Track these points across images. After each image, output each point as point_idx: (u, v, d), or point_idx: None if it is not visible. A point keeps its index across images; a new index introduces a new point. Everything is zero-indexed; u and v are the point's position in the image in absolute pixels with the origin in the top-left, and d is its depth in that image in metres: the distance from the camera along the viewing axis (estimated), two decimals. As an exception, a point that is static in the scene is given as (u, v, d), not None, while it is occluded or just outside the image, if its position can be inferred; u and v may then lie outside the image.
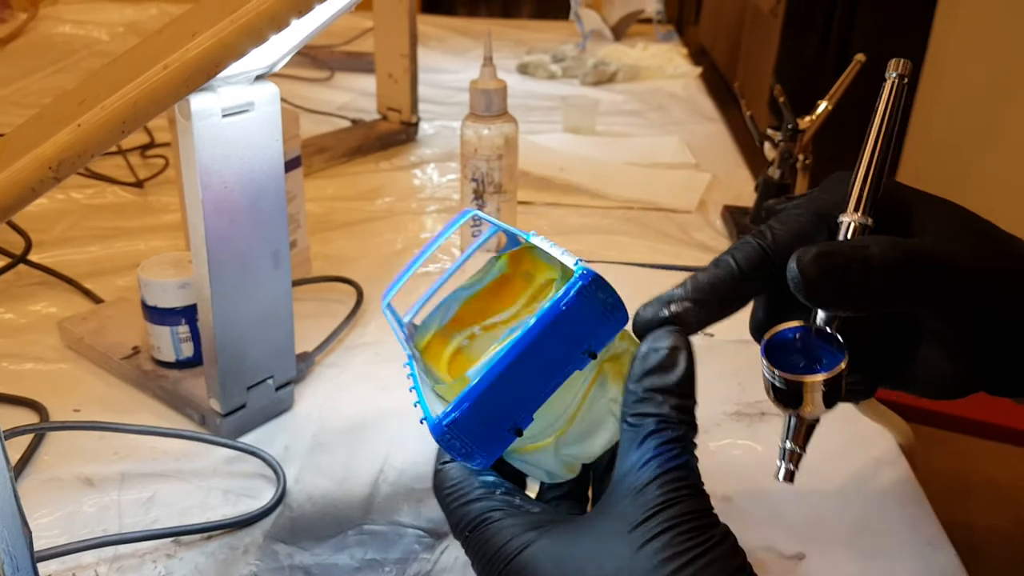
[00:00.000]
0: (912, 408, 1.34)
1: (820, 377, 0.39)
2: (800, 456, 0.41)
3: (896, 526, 0.57)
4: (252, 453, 0.62)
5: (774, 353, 0.40)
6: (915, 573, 0.53)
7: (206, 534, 0.55)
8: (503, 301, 0.49)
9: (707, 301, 0.41)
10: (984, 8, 2.40)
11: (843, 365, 0.39)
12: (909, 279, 0.39)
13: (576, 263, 0.40)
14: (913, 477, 0.61)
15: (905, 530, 0.57)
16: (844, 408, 0.68)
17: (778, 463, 0.41)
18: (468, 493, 0.41)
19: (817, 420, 0.41)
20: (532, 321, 0.39)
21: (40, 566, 0.50)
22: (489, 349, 0.41)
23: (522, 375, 0.39)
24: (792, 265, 0.39)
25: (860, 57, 0.93)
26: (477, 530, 0.40)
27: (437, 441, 0.39)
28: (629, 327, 0.41)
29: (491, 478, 0.42)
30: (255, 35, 0.34)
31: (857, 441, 0.65)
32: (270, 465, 0.60)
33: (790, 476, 0.41)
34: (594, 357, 0.40)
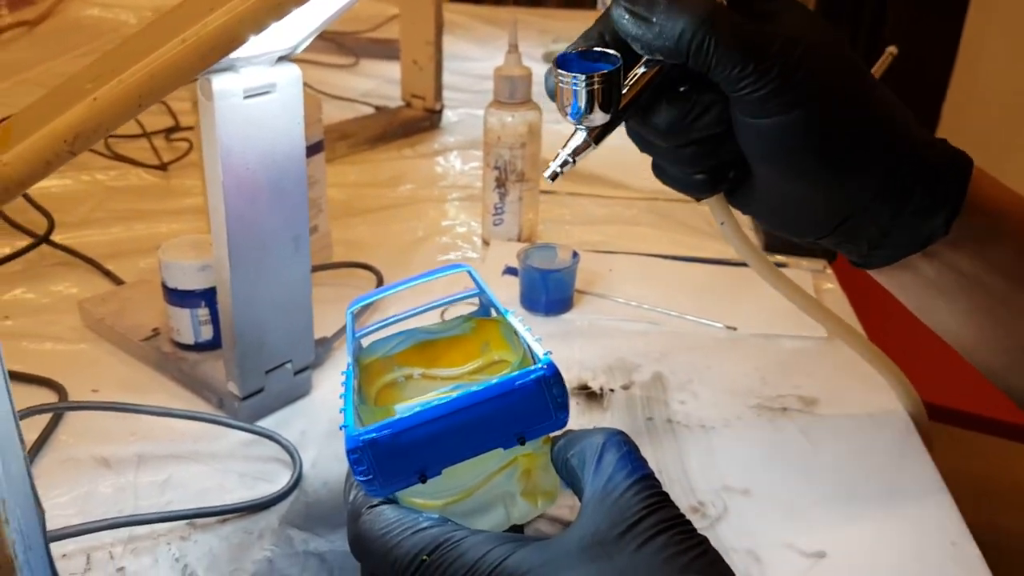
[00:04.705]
0: (942, 409, 1.32)
1: (594, 75, 0.41)
2: (570, 164, 0.45)
3: (919, 525, 0.56)
4: (269, 437, 0.61)
5: (563, 66, 0.42)
6: (939, 573, 0.52)
7: (221, 517, 0.55)
8: (452, 358, 0.50)
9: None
10: (1020, 1, 2.35)
11: (609, 71, 0.41)
12: (702, 30, 0.39)
13: (545, 354, 0.42)
14: (939, 477, 0.60)
15: (929, 530, 0.55)
16: (867, 402, 0.67)
17: (551, 165, 0.45)
18: (415, 524, 0.40)
19: (596, 133, 0.44)
20: (482, 387, 0.40)
21: (55, 546, 0.50)
22: (422, 395, 0.43)
23: (452, 430, 0.40)
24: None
25: (892, 49, 0.90)
26: (440, 550, 0.38)
27: (348, 452, 0.40)
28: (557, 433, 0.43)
29: (435, 515, 0.41)
30: (275, 9, 0.34)
31: (881, 441, 0.64)
32: (287, 449, 0.60)
33: (554, 176, 0.45)
34: (523, 443, 0.41)
